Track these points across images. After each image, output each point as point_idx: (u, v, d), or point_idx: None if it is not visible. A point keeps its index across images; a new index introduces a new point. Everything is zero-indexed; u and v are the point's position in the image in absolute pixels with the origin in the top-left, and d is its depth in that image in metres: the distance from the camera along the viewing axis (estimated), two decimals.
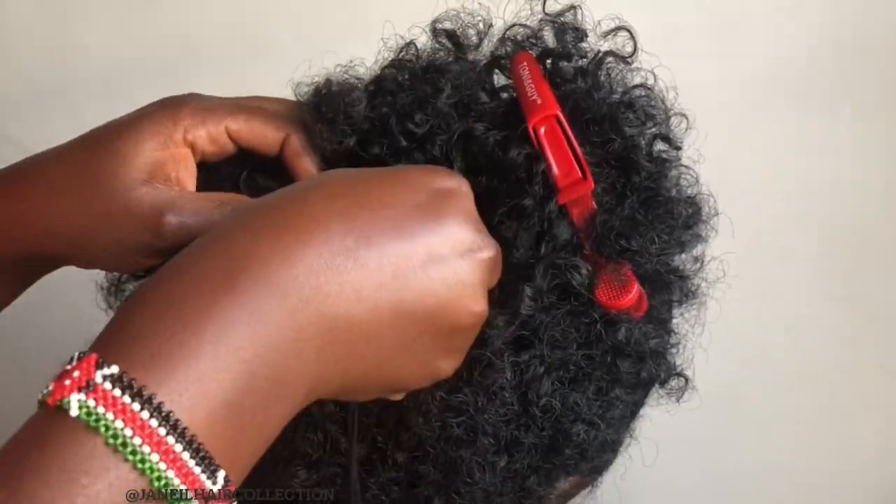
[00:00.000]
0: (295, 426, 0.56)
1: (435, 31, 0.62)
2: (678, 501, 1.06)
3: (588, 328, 0.57)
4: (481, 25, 0.62)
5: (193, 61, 1.06)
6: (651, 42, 0.63)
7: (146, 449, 0.39)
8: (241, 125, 0.60)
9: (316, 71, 0.62)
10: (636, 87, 0.61)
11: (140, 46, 1.06)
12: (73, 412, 0.39)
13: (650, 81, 0.62)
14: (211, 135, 0.59)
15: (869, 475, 1.08)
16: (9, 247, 0.60)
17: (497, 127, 0.59)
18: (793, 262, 1.05)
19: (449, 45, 0.62)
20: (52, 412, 0.40)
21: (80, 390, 0.39)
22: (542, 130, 0.58)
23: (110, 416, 0.39)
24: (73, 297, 0.76)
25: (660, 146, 0.61)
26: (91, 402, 0.39)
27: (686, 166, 0.62)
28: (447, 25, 0.62)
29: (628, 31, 0.62)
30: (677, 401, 0.63)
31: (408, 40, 0.63)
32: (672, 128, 0.62)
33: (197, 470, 0.41)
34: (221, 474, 0.41)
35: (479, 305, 0.50)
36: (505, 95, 0.63)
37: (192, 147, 0.59)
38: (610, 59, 0.62)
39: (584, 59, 0.62)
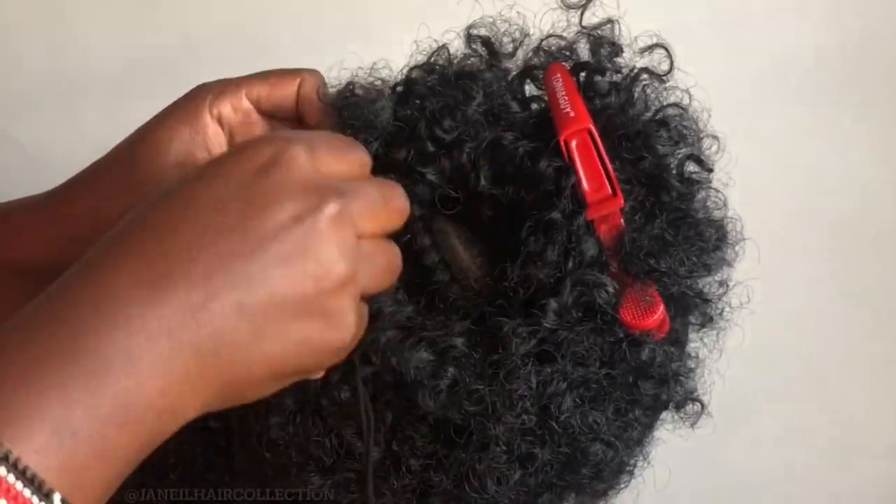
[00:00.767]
0: (307, 432, 0.55)
1: (469, 37, 0.62)
2: None
3: (612, 347, 0.56)
4: (517, 34, 0.61)
5: (193, 61, 1.05)
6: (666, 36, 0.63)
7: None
8: (256, 86, 0.61)
9: (337, 73, 0.62)
10: (670, 105, 0.61)
11: (140, 46, 1.07)
12: None
13: (685, 101, 0.61)
14: (233, 104, 0.61)
15: (880, 474, 1.08)
16: (52, 251, 0.61)
17: (527, 137, 0.59)
18: (800, 260, 1.04)
19: (483, 51, 0.62)
20: None
21: None
22: (574, 144, 0.58)
23: None
24: None
25: (691, 167, 0.60)
26: None
27: (715, 189, 0.61)
28: (482, 32, 0.61)
29: (665, 48, 0.61)
30: (692, 426, 0.62)
31: (440, 44, 0.62)
32: (704, 150, 0.61)
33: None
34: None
35: (337, 263, 0.46)
36: (536, 107, 0.62)
37: (220, 121, 0.61)
38: (645, 76, 0.61)
39: (619, 75, 0.61)
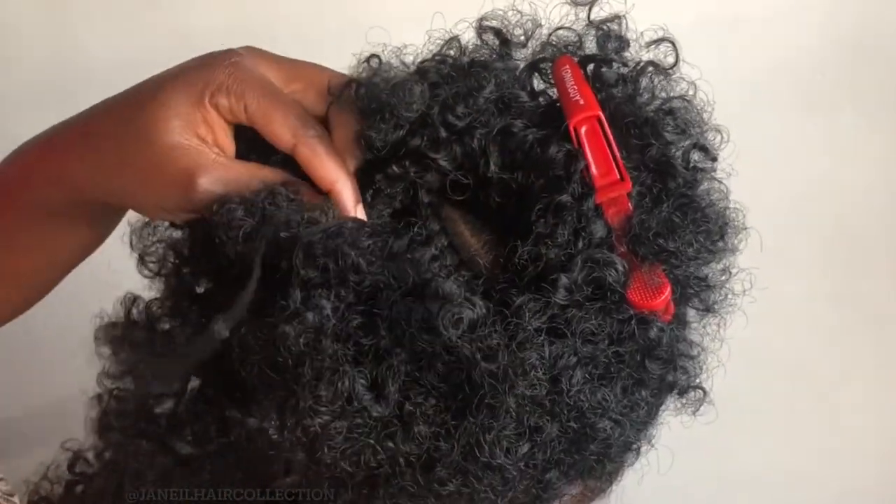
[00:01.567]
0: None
1: (481, 28, 0.63)
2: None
3: (620, 325, 0.57)
4: (529, 24, 0.63)
5: None
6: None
7: None
8: (257, 111, 0.59)
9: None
10: (676, 97, 0.62)
11: (140, 47, 1.07)
12: None
13: (690, 93, 0.63)
14: (231, 108, 0.59)
15: (869, 476, 1.08)
16: (62, 193, 0.62)
17: (536, 125, 0.60)
18: (792, 263, 1.05)
19: (494, 42, 0.63)
20: None
21: None
22: (584, 130, 0.59)
23: None
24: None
25: (696, 156, 0.62)
26: None
27: (718, 179, 0.63)
28: (494, 23, 0.63)
29: (672, 42, 0.63)
30: (693, 413, 0.63)
31: (452, 35, 0.63)
32: (709, 140, 0.63)
33: None
34: None
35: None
36: (543, 99, 0.63)
37: (217, 110, 0.59)
38: (651, 68, 0.63)
39: (626, 68, 0.63)
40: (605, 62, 0.63)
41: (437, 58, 0.62)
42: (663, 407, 0.63)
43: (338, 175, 0.59)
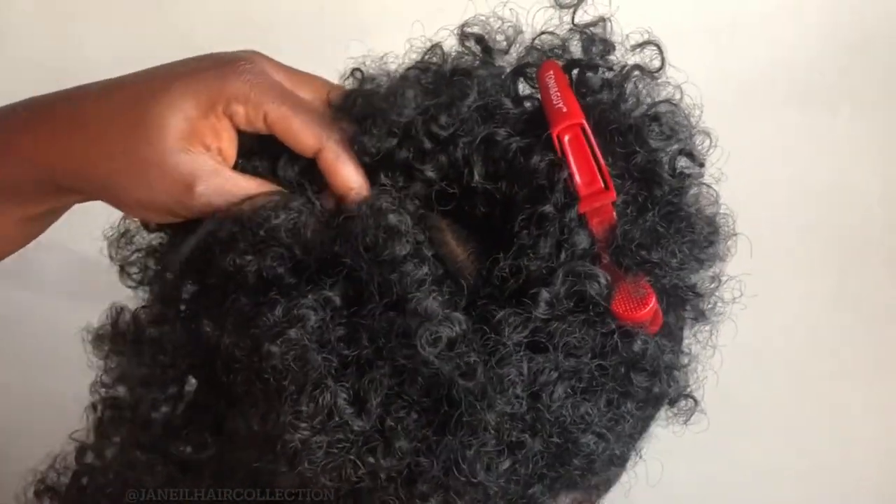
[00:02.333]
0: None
1: (463, 35, 0.62)
2: None
3: (603, 339, 0.56)
4: (510, 31, 0.62)
5: None
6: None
7: None
8: (279, 118, 0.58)
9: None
10: (662, 101, 0.61)
11: (140, 46, 1.05)
12: None
13: (676, 97, 0.61)
14: (249, 117, 0.58)
15: (869, 478, 1.07)
16: (29, 172, 0.60)
17: (520, 134, 0.59)
18: (790, 264, 1.04)
19: (476, 49, 0.62)
20: None
21: None
22: (567, 139, 0.58)
23: None
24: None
25: (683, 162, 0.61)
26: None
27: (707, 184, 0.62)
28: (476, 30, 0.62)
29: (657, 45, 0.62)
30: (685, 423, 0.62)
31: (433, 42, 0.62)
32: (696, 145, 0.62)
33: None
34: None
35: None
36: (528, 105, 0.62)
37: (231, 119, 0.58)
38: (637, 72, 0.62)
39: (611, 72, 0.62)
40: (589, 67, 0.62)
41: (419, 66, 0.62)
42: (654, 419, 0.62)
43: (358, 181, 0.59)
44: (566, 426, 0.55)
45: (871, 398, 1.06)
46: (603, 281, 0.55)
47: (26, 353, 1.05)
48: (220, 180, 0.58)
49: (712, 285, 0.61)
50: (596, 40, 0.62)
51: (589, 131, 0.58)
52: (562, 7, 0.63)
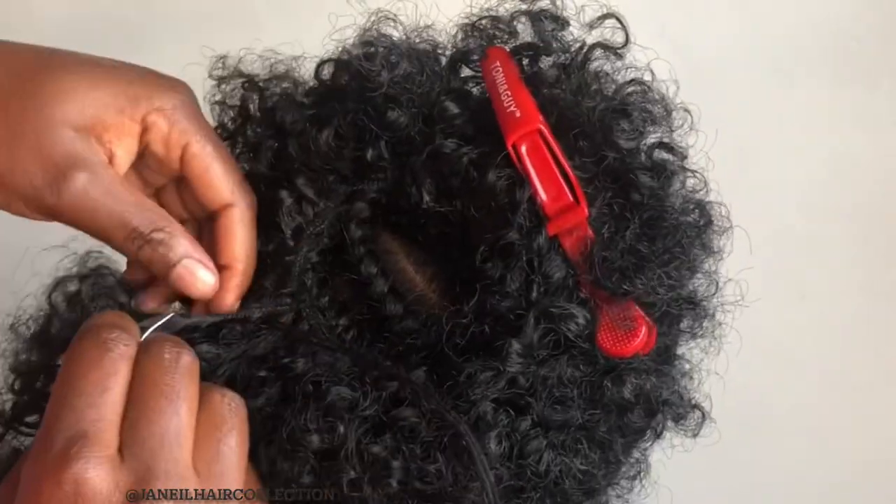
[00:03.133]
0: None
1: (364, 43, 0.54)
2: None
3: (591, 385, 0.49)
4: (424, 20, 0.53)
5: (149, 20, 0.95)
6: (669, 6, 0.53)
7: None
8: (201, 153, 0.52)
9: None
10: (630, 82, 0.52)
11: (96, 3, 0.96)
12: None
13: (646, 76, 0.52)
14: (169, 138, 0.52)
15: None
16: None
17: (470, 141, 0.51)
18: (823, 253, 0.95)
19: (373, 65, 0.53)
20: None
21: None
22: (524, 149, 0.50)
23: None
24: None
25: (662, 154, 0.52)
26: None
27: (693, 171, 0.53)
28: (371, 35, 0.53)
29: (617, 18, 0.52)
30: (694, 436, 0.55)
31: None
32: (675, 127, 0.53)
33: None
34: None
35: None
36: (476, 93, 0.54)
37: (144, 128, 0.51)
38: (598, 51, 0.52)
39: (568, 55, 0.52)
40: (542, 51, 0.52)
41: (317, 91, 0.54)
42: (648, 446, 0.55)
43: (249, 259, 0.53)
44: (555, 481, 0.49)
45: None
46: (581, 320, 0.48)
47: None
48: (105, 181, 0.49)
49: (709, 288, 0.53)
50: (545, 18, 0.53)
51: (549, 136, 0.49)
52: None
